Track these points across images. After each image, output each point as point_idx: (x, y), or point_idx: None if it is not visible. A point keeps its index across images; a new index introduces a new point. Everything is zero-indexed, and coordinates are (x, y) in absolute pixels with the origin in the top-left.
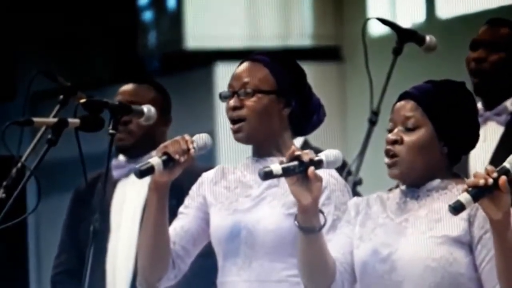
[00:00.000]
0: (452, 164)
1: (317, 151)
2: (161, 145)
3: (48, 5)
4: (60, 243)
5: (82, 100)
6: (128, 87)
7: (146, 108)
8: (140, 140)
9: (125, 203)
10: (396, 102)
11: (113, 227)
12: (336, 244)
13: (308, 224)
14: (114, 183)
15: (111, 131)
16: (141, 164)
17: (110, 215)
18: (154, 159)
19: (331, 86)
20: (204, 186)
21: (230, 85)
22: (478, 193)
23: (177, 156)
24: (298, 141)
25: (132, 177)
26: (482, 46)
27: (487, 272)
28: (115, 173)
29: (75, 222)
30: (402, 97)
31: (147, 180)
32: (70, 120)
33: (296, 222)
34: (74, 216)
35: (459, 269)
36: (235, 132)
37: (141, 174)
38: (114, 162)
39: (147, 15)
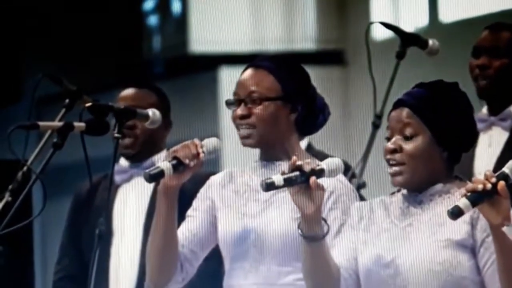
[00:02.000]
0: (453, 166)
1: (320, 154)
2: (171, 150)
3: (53, 9)
4: (60, 247)
5: (88, 104)
6: (128, 91)
7: (151, 111)
8: (143, 145)
9: (127, 207)
10: (392, 110)
11: (115, 231)
12: (340, 250)
13: (311, 232)
14: (116, 188)
15: (116, 135)
16: (151, 169)
17: (112, 220)
18: (164, 163)
19: (335, 90)
20: (212, 189)
21: (235, 93)
22: (477, 198)
23: (187, 161)
24: (302, 144)
25: (134, 181)
26: (484, 53)
27: (489, 275)
28: (117, 178)
29: (76, 226)
30: (397, 104)
31: (148, 185)
32: (76, 124)
33: (299, 231)
34: (75, 220)
35: (462, 272)
36: (243, 138)
37: (151, 178)
38: (116, 167)
39: (152, 20)
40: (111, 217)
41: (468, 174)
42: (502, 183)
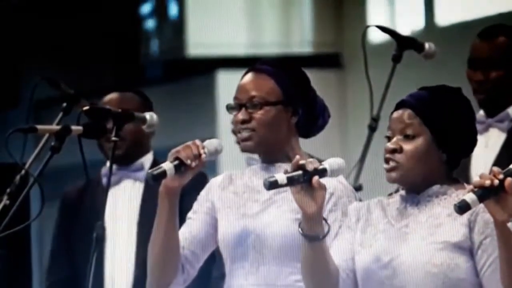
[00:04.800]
0: (451, 170)
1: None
2: (173, 150)
3: (51, 13)
4: (51, 253)
5: (85, 108)
6: (113, 95)
7: (148, 115)
8: (129, 147)
9: (117, 210)
10: (394, 111)
11: (108, 235)
12: (338, 251)
13: (312, 232)
14: (105, 191)
15: (113, 138)
16: (153, 169)
17: (104, 223)
18: (166, 163)
19: (331, 93)
20: (212, 192)
21: (236, 97)
22: (484, 193)
23: (188, 161)
24: None
25: (123, 184)
26: (480, 66)
27: (487, 277)
28: (104, 181)
29: (66, 231)
30: (399, 105)
31: (138, 188)
32: (73, 127)
33: (300, 230)
34: (65, 225)
35: (459, 274)
36: (243, 140)
37: (153, 178)
38: (103, 170)
39: (150, 23)
40: (103, 220)
41: (464, 175)
42: (509, 179)
